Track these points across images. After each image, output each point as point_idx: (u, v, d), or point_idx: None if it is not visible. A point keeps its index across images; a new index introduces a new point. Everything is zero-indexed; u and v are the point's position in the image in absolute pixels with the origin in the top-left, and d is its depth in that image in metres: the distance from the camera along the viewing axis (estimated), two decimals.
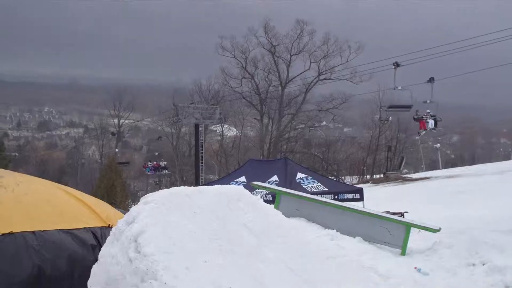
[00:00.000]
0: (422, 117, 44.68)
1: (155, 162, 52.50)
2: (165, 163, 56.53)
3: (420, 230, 14.01)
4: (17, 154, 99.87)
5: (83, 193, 10.66)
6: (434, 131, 46.22)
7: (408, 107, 46.78)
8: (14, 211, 9.22)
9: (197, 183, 46.70)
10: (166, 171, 52.78)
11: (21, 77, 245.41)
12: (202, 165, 49.20)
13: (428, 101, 44.41)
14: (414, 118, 46.16)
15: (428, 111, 44.65)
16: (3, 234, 8.72)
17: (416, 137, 55.31)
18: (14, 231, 8.75)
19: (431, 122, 44.25)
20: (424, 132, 46.46)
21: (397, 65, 43.90)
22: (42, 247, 8.68)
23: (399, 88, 45.26)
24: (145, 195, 7.54)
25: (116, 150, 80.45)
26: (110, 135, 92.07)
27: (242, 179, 24.05)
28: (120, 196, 57.22)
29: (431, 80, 43.63)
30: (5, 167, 26.65)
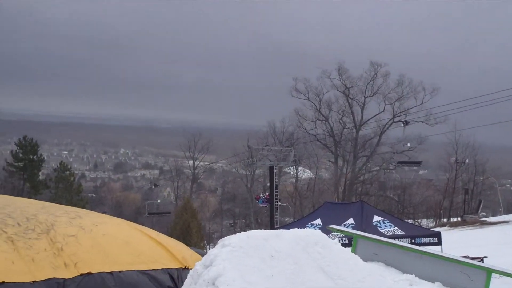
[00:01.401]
0: None
1: (267, 194, 52.33)
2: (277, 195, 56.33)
3: (501, 275, 13.59)
4: (94, 195, 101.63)
5: (159, 233, 10.68)
6: None
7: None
8: (92, 251, 9.29)
9: (272, 226, 46.54)
10: (279, 203, 52.60)
11: (99, 119, 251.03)
12: (277, 208, 49.02)
13: None
14: None
15: None
16: (81, 275, 8.78)
17: None
18: (92, 271, 8.80)
19: None
20: None
21: None
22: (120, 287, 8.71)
23: None
24: (223, 238, 7.49)
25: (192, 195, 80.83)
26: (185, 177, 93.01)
27: (318, 221, 23.87)
28: (196, 237, 57.53)
29: None
30: (83, 208, 26.95)
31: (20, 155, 66.84)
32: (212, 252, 7.19)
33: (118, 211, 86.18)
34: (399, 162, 52.28)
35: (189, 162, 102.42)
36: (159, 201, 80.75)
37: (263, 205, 52.29)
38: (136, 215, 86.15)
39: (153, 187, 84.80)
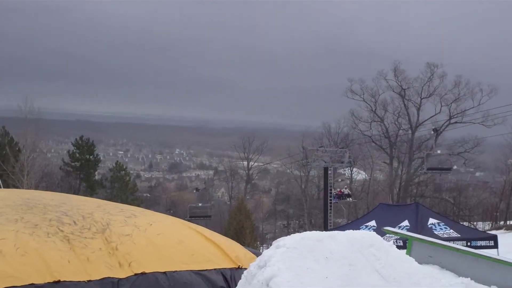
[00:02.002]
0: None
1: (338, 190, 52.22)
2: (349, 190, 55.98)
3: None
4: (148, 195, 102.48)
5: (213, 232, 10.67)
6: None
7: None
8: (146, 251, 9.33)
9: (325, 227, 46.35)
10: (350, 199, 52.45)
11: (154, 120, 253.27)
12: (331, 209, 48.77)
13: None
14: None
15: None
16: (135, 274, 8.83)
17: None
18: (146, 271, 8.84)
19: None
20: None
21: None
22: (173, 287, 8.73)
23: None
24: (277, 239, 7.43)
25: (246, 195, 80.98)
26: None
27: (372, 223, 23.71)
28: (249, 238, 57.62)
29: None
30: (137, 207, 27.23)
31: (77, 155, 67.91)
32: (266, 253, 7.15)
33: (173, 210, 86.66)
34: (429, 169, 51.62)
35: (244, 162, 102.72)
36: (200, 204, 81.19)
37: (334, 201, 51.88)
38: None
39: (194, 191, 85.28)
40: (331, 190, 49.53)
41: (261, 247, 63.15)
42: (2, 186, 39.31)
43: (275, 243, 7.33)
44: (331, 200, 49.05)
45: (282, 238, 7.42)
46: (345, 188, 58.53)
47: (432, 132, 60.28)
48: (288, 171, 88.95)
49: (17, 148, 56.73)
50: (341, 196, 52.03)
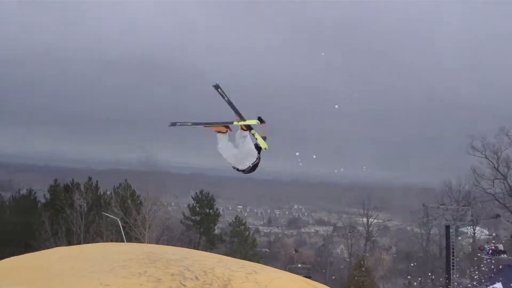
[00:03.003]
0: None
1: (492, 245, 50.99)
2: (503, 247, 54.50)
3: None
4: (267, 250, 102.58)
5: None
6: None
7: None
8: None
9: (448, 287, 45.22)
10: (505, 255, 51.19)
11: (271, 175, 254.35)
12: (453, 268, 47.51)
13: None
14: None
15: None
16: None
17: None
18: None
19: None
20: None
21: None
22: None
23: None
24: None
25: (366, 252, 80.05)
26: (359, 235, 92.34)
27: (499, 286, 22.98)
28: None
29: None
30: (257, 262, 27.37)
31: (197, 208, 68.96)
32: None
33: (293, 265, 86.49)
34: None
35: (363, 219, 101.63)
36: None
37: (487, 257, 50.41)
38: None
39: (294, 252, 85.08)
40: (453, 249, 48.31)
41: None
42: (125, 239, 40.34)
43: None
44: (453, 259, 47.86)
45: None
46: (500, 244, 56.74)
47: None
48: (409, 228, 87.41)
49: (139, 201, 58.16)
50: (494, 252, 50.31)
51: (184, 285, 10.00)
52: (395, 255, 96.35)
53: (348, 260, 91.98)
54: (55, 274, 12.04)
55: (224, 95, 9.49)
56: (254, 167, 10.82)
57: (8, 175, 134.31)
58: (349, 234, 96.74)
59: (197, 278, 10.34)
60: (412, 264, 68.03)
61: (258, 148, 10.61)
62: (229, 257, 14.08)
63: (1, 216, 62.90)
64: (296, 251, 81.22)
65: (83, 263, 12.35)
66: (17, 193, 68.00)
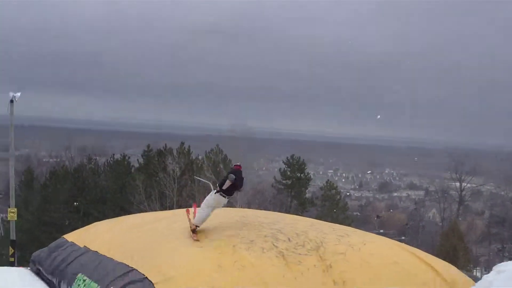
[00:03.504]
0: None
1: None
2: None
3: None
4: (358, 214, 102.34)
5: (428, 254, 10.46)
6: None
7: None
8: (360, 270, 9.36)
9: None
10: None
11: (363, 140, 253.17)
12: None
13: None
14: None
15: None
16: None
17: None
18: None
19: None
20: None
21: None
22: None
23: None
24: (498, 264, 7.16)
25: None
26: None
27: None
28: (463, 260, 56.07)
29: None
30: (348, 226, 27.38)
31: (288, 173, 69.11)
32: (487, 278, 6.92)
33: (383, 231, 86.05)
34: None
35: (456, 184, 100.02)
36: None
37: None
38: (399, 235, 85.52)
39: (376, 218, 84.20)
40: None
41: (474, 270, 61.23)
42: None
43: (495, 268, 7.08)
44: None
45: (504, 263, 7.15)
46: None
47: None
48: (503, 193, 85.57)
49: (230, 166, 58.74)
50: None
51: (277, 246, 10.13)
52: (488, 220, 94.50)
53: (440, 224, 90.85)
54: (152, 235, 12.38)
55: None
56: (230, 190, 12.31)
57: (103, 141, 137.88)
58: (441, 198, 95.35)
59: (289, 239, 10.46)
60: (505, 230, 66.60)
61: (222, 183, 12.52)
62: (321, 221, 14.18)
63: (97, 180, 64.54)
64: (378, 217, 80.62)
65: (179, 224, 12.64)
66: (112, 158, 69.42)
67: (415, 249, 10.93)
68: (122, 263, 10.69)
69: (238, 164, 13.11)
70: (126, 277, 9.50)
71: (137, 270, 9.62)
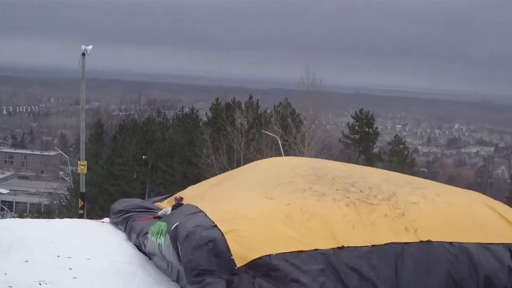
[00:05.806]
0: None
1: None
2: None
3: None
4: (425, 170, 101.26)
5: (504, 206, 10.30)
6: None
7: None
8: (433, 219, 9.29)
9: None
10: None
11: (433, 94, 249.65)
12: None
13: None
14: None
15: None
16: (421, 242, 8.79)
17: None
18: (432, 239, 8.77)
19: None
20: None
21: None
22: (457, 259, 8.56)
23: None
24: None
25: None
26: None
27: None
28: None
29: None
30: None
31: (356, 127, 68.58)
32: None
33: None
34: None
35: None
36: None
37: None
38: None
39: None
40: None
41: None
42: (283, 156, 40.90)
43: None
44: None
45: None
46: None
47: None
48: None
49: (298, 120, 58.48)
50: None
51: (348, 197, 10.10)
52: None
53: (509, 181, 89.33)
54: (224, 188, 12.54)
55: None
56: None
57: (172, 94, 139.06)
58: (511, 155, 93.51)
59: (361, 191, 10.42)
60: None
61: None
62: (397, 174, 14.01)
63: (165, 134, 65.15)
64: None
65: (254, 175, 12.74)
66: (180, 111, 69.88)
67: (493, 200, 10.77)
68: (191, 205, 10.81)
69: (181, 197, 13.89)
70: (195, 219, 9.52)
71: (204, 213, 9.66)
